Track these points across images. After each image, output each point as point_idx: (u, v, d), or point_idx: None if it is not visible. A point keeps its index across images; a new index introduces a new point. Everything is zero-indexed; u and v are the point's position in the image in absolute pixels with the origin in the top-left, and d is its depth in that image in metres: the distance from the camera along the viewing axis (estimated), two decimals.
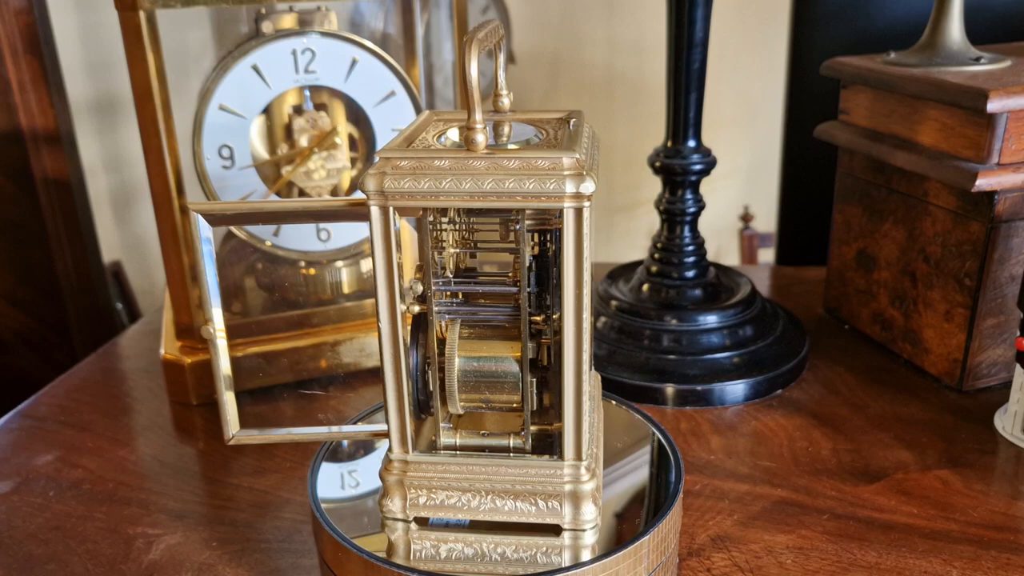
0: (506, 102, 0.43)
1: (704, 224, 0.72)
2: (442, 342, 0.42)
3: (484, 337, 0.42)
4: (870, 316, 0.74)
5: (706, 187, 0.70)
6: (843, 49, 0.77)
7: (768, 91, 1.42)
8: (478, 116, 0.37)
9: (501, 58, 0.43)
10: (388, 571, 0.41)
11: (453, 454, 0.43)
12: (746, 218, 1.84)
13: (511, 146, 0.40)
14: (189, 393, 0.67)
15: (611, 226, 1.87)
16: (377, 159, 0.38)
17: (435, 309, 0.41)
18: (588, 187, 0.36)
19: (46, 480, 0.58)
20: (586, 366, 0.40)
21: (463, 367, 0.42)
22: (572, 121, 0.42)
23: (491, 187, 0.37)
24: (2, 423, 0.66)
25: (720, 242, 1.87)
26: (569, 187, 0.36)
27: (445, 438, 0.43)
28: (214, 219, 0.41)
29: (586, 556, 0.41)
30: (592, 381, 0.46)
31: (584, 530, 0.42)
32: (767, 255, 1.73)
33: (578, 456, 0.42)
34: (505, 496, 0.42)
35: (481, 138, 0.37)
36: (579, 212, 0.37)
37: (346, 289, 0.72)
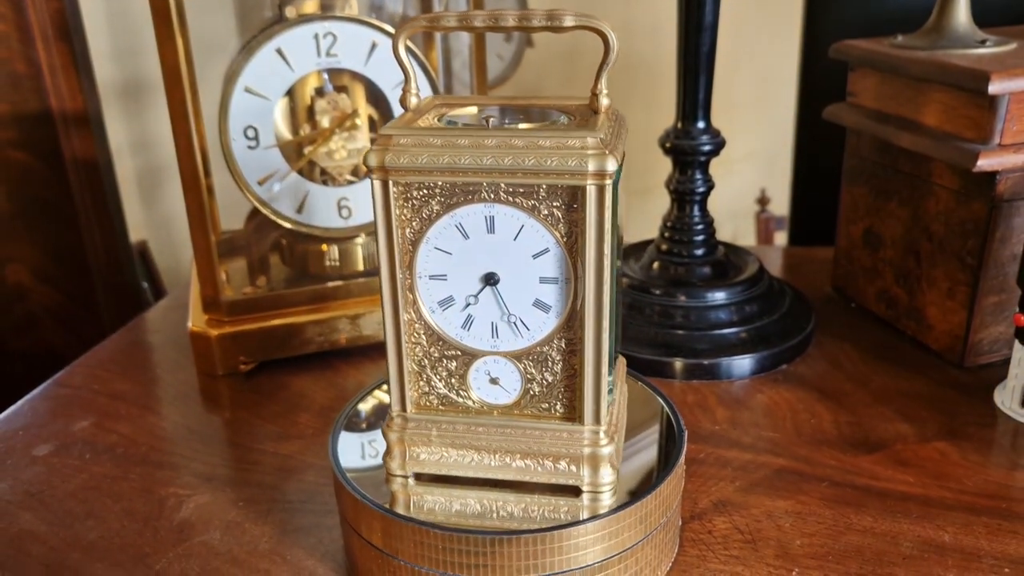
0: (602, 102, 0.44)
1: (721, 207, 0.73)
2: None
3: None
4: (876, 294, 0.75)
5: (723, 170, 0.71)
6: (856, 32, 0.78)
7: (783, 74, 1.42)
8: (413, 87, 0.44)
9: (607, 63, 0.43)
10: (405, 526, 0.43)
11: None
12: (763, 201, 1.84)
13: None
14: (215, 364, 0.69)
15: (628, 208, 1.87)
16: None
17: None
18: (370, 163, 0.41)
19: (83, 444, 0.61)
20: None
21: None
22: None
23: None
24: (40, 391, 0.69)
25: (737, 225, 1.87)
26: (372, 159, 0.41)
27: None
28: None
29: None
30: (617, 365, 0.49)
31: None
32: (784, 238, 1.73)
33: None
34: None
35: (415, 100, 0.44)
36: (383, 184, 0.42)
37: (366, 264, 0.75)
